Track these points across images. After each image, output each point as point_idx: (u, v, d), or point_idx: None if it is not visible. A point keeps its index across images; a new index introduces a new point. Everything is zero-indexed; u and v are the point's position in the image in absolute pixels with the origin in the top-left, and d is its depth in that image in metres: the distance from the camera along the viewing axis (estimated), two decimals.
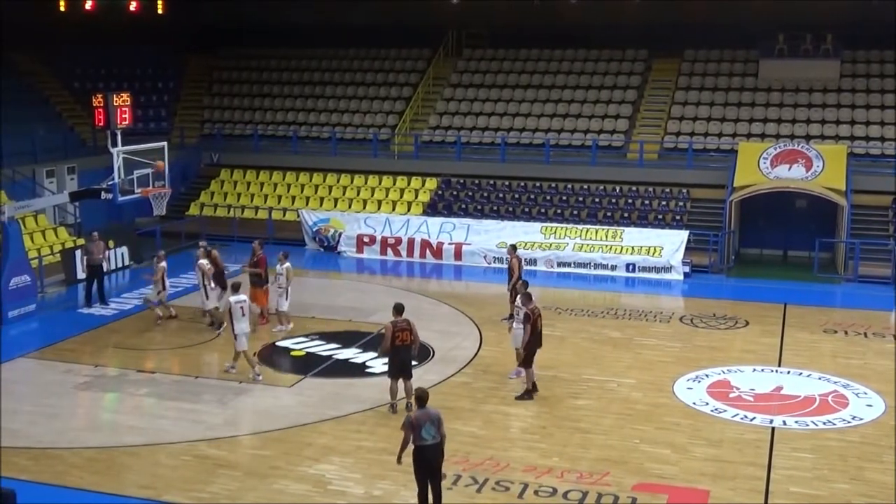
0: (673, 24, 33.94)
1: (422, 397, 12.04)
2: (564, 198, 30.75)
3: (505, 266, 23.56)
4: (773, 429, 15.45)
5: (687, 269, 26.61)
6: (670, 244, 26.97)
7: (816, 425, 15.65)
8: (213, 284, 20.96)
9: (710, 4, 33.30)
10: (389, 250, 29.07)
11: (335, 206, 32.06)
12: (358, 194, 32.47)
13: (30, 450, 14.38)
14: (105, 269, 23.91)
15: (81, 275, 25.14)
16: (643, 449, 14.62)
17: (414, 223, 29.37)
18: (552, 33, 36.04)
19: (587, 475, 13.60)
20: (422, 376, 17.90)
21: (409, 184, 32.31)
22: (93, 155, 31.41)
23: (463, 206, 30.90)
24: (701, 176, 29.97)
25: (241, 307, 17.38)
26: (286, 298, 20.68)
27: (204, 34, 39.14)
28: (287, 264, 20.76)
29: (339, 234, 29.86)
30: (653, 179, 30.51)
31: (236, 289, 17.81)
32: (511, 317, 21.45)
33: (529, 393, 16.77)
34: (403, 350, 15.94)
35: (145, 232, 29.45)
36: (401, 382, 16.04)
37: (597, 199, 30.48)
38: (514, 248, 22.83)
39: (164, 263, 21.58)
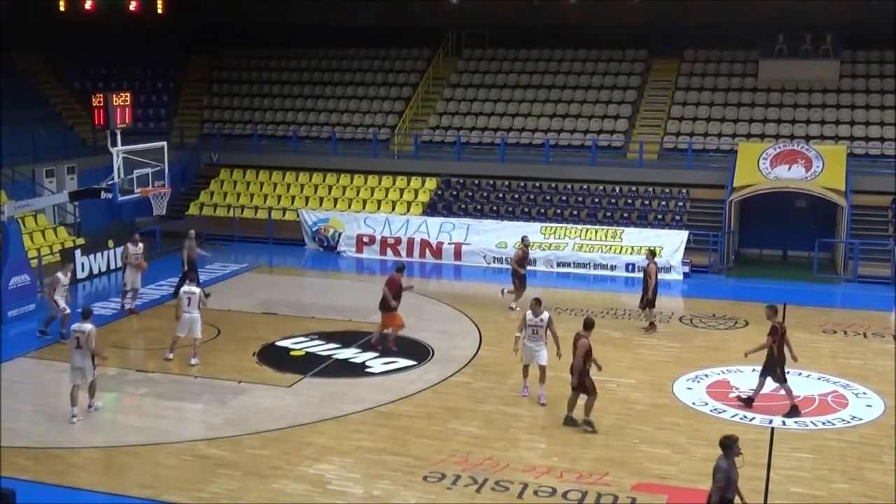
0: (673, 24, 33.98)
1: (721, 443, 10.92)
2: (564, 198, 30.75)
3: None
4: (772, 429, 15.47)
5: (686, 269, 26.63)
6: (670, 244, 26.98)
7: (816, 425, 15.66)
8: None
9: (710, 4, 33.33)
10: (389, 250, 29.09)
11: (335, 206, 32.05)
12: (357, 194, 32.46)
13: (30, 449, 14.38)
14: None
15: (82, 274, 25.20)
16: (643, 449, 14.63)
17: (413, 223, 29.39)
18: (552, 33, 36.06)
19: (587, 475, 13.61)
20: (422, 376, 17.98)
21: (408, 184, 32.31)
22: (92, 155, 31.46)
23: (462, 206, 30.90)
24: (701, 176, 29.98)
25: (78, 338, 15.60)
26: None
27: (204, 34, 39.13)
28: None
29: (339, 234, 29.87)
30: (652, 180, 30.51)
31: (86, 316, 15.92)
32: (652, 325, 21.16)
33: (796, 409, 16.00)
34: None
35: (145, 232, 29.38)
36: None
37: (596, 200, 30.48)
38: (652, 253, 22.18)
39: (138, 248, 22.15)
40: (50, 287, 20.17)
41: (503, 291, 23.23)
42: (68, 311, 19.84)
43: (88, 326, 15.61)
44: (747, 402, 16.39)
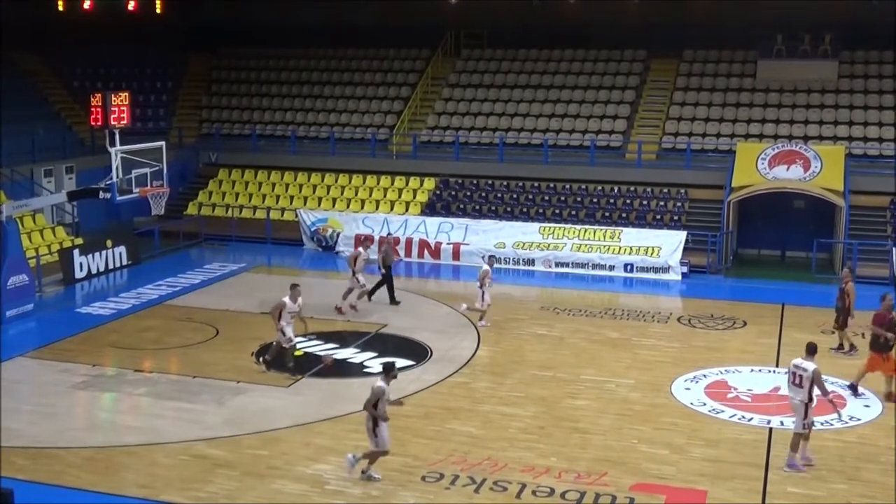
0: (672, 24, 33.96)
1: None
2: (563, 198, 30.75)
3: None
4: (770, 429, 15.47)
5: (685, 269, 26.62)
6: (668, 244, 26.99)
7: (814, 426, 15.63)
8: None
9: (710, 4, 33.33)
10: None
11: (333, 205, 32.04)
12: (356, 194, 32.45)
13: (27, 449, 14.36)
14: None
15: (80, 274, 25.19)
16: (641, 449, 14.62)
17: (412, 223, 29.37)
18: (552, 33, 36.06)
19: (585, 475, 13.61)
20: (420, 376, 17.98)
21: (407, 184, 32.29)
22: (91, 154, 31.42)
23: (461, 206, 30.89)
24: (699, 176, 29.97)
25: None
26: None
27: (203, 34, 39.14)
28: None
29: (338, 234, 29.86)
30: (651, 180, 30.51)
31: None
32: (840, 346, 19.88)
33: None
34: None
35: (143, 232, 29.44)
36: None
37: (595, 200, 30.48)
38: (850, 270, 20.55)
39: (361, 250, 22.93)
40: (275, 311, 17.95)
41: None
42: (294, 341, 18.05)
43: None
44: None
